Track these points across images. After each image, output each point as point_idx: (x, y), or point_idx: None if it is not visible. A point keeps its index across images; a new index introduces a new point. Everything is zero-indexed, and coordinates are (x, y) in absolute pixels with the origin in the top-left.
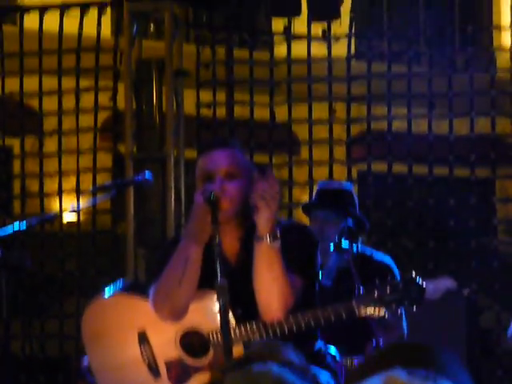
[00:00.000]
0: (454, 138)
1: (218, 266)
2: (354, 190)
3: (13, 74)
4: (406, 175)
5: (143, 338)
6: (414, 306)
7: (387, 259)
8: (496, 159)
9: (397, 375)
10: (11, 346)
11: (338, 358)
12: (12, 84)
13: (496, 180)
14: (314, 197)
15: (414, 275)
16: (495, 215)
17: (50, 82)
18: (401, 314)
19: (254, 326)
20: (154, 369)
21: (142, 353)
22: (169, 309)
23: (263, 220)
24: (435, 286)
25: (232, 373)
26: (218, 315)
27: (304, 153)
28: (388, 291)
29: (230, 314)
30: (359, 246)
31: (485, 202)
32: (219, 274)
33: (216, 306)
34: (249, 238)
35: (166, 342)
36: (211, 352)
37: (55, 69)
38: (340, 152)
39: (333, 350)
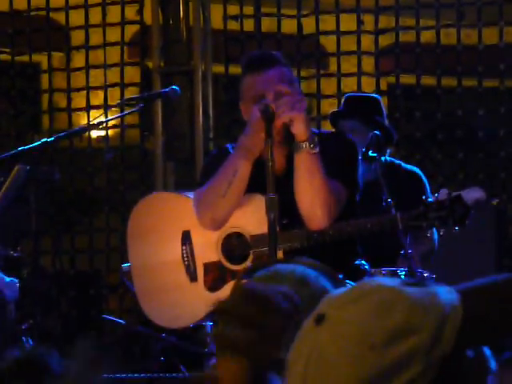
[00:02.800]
0: (482, 48)
1: (269, 178)
2: (383, 102)
3: None
4: (435, 87)
5: (187, 238)
6: (457, 227)
7: (416, 169)
8: None
9: None
10: (41, 261)
11: (368, 269)
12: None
13: None
14: (340, 107)
15: (461, 194)
16: None
17: None
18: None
19: (297, 233)
20: (191, 271)
21: (182, 252)
22: (210, 218)
23: (299, 127)
24: (465, 197)
25: (255, 272)
26: (265, 223)
27: (332, 65)
28: (434, 208)
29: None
30: (387, 156)
31: None
32: (270, 187)
33: (262, 212)
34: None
35: (208, 243)
36: (251, 257)
37: None
38: (368, 64)
39: (363, 262)
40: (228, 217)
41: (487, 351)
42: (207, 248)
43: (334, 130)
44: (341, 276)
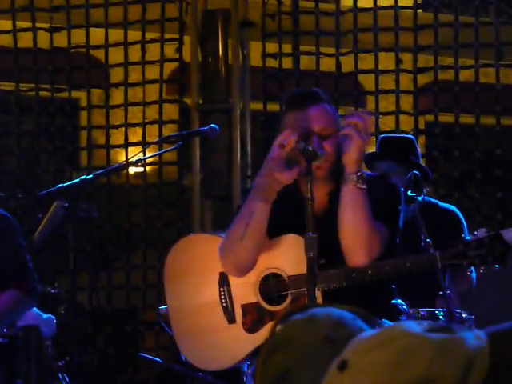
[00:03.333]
0: None
1: (309, 217)
2: (421, 141)
3: (79, 26)
4: (474, 125)
5: (224, 279)
6: (497, 265)
7: (453, 208)
8: None
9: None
10: (78, 298)
11: (406, 310)
12: (78, 36)
13: None
14: (376, 148)
15: (501, 233)
16: None
17: (115, 34)
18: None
19: (335, 273)
20: (229, 313)
21: (220, 294)
22: (231, 264)
23: (352, 155)
24: (505, 236)
25: (292, 316)
26: (303, 263)
27: (370, 103)
28: (473, 246)
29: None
30: (424, 195)
31: None
32: (310, 227)
33: (299, 252)
34: (338, 193)
35: (245, 284)
36: (289, 299)
37: (121, 20)
38: (407, 103)
39: (400, 301)
40: (251, 261)
41: None
42: (245, 289)
43: (371, 171)
44: (377, 318)
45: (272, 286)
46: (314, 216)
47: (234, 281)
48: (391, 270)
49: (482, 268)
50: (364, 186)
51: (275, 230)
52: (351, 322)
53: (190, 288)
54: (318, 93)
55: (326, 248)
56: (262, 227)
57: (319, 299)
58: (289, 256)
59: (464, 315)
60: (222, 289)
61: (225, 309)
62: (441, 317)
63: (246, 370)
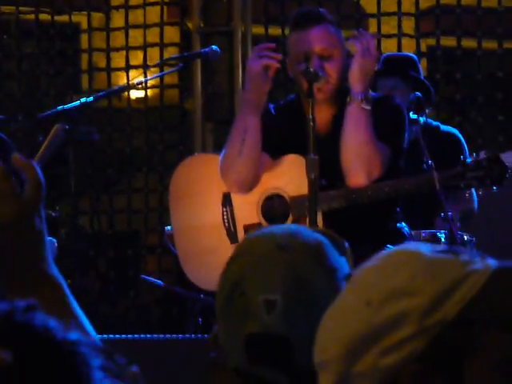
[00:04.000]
0: None
1: (311, 139)
2: (423, 64)
3: None
4: (475, 48)
5: (227, 200)
6: (495, 186)
7: (454, 130)
8: None
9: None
10: (80, 221)
11: (407, 231)
12: None
13: None
14: (378, 66)
15: (498, 154)
16: None
17: None
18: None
19: (336, 194)
20: (232, 233)
21: (223, 214)
22: (233, 181)
23: (355, 73)
24: (504, 160)
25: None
26: (305, 184)
27: (372, 26)
28: (471, 167)
29: None
30: (426, 117)
31: None
32: (312, 148)
33: (302, 173)
34: (342, 115)
35: (248, 205)
36: (290, 219)
37: None
38: (408, 26)
39: (404, 225)
40: (252, 175)
41: None
42: (247, 210)
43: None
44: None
45: (274, 207)
46: (317, 137)
47: (236, 201)
48: (390, 191)
49: (481, 190)
50: (368, 107)
51: (278, 149)
52: (306, 233)
53: (194, 208)
54: (321, 13)
55: (327, 169)
56: (258, 141)
57: (320, 221)
58: (291, 176)
59: (465, 237)
60: (224, 209)
61: (227, 229)
62: (442, 238)
63: None
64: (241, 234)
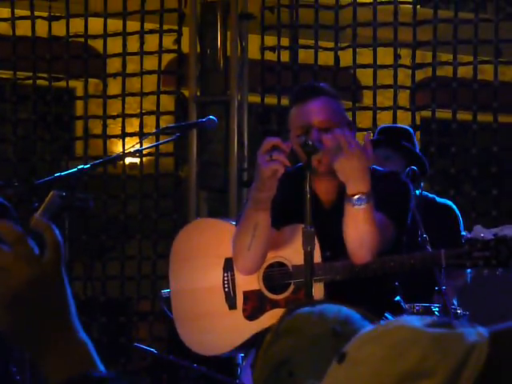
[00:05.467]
0: None
1: (307, 211)
2: (418, 136)
3: (78, 15)
4: (471, 122)
5: (229, 265)
6: (501, 268)
7: (449, 203)
8: None
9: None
10: (73, 287)
11: (402, 305)
12: (77, 25)
13: None
14: (374, 137)
15: (508, 236)
16: None
17: (114, 24)
18: None
19: (340, 266)
20: (231, 298)
21: (223, 279)
22: (242, 268)
23: (344, 175)
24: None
25: (301, 308)
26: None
27: (367, 98)
28: (478, 247)
29: (318, 254)
30: (421, 190)
31: None
32: (308, 221)
33: None
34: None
35: None
36: (291, 288)
37: (120, 11)
38: (404, 98)
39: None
40: (259, 263)
41: None
42: (248, 277)
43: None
44: (380, 314)
45: (276, 275)
46: (322, 209)
47: None
48: (396, 265)
49: (486, 270)
50: (363, 207)
51: (283, 217)
52: (358, 321)
53: (195, 271)
54: (321, 87)
55: (332, 241)
56: (267, 235)
57: (321, 291)
58: (294, 246)
59: (459, 311)
60: (226, 274)
61: (227, 294)
62: (436, 312)
63: (240, 362)
64: (240, 300)
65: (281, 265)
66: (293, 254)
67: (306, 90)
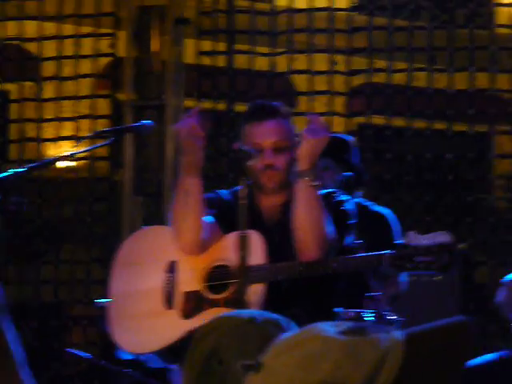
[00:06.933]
0: (453, 93)
1: (242, 217)
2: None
3: (12, 18)
4: (406, 128)
5: (173, 267)
6: (441, 273)
7: (385, 211)
8: (494, 115)
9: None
10: (5, 291)
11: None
12: (11, 29)
13: (494, 136)
14: None
15: (451, 242)
16: (492, 171)
17: (49, 28)
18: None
19: (283, 266)
20: (170, 298)
21: (165, 281)
22: (182, 242)
23: (302, 152)
24: (431, 240)
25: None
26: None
27: (303, 104)
28: (422, 252)
29: (262, 256)
30: (357, 197)
31: (482, 157)
32: (243, 226)
33: (252, 246)
34: (289, 202)
35: (193, 273)
36: (231, 289)
37: (55, 14)
38: (340, 104)
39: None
40: (200, 235)
41: None
42: (191, 278)
43: None
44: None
45: (217, 275)
46: (267, 224)
47: (183, 269)
48: (338, 266)
49: (426, 275)
50: (317, 183)
51: (232, 229)
52: (271, 314)
53: (136, 275)
54: (275, 107)
55: (276, 255)
56: (200, 202)
57: (260, 292)
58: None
59: (393, 317)
60: (168, 275)
61: (167, 295)
62: (369, 318)
63: (172, 368)
64: (179, 300)
65: (224, 267)
66: (235, 256)
67: (261, 110)
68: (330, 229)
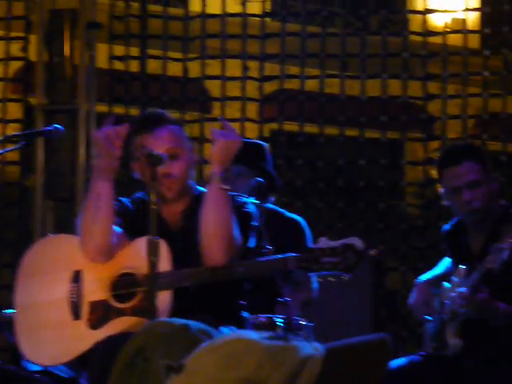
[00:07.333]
0: (365, 99)
1: (152, 221)
2: None
3: None
4: (318, 135)
5: (78, 277)
6: (347, 274)
7: (298, 218)
8: (406, 122)
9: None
10: None
11: (245, 315)
12: None
13: (405, 142)
14: None
15: (356, 243)
16: (404, 178)
17: None
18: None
19: (188, 272)
20: (76, 309)
21: (70, 291)
22: (90, 247)
23: (216, 154)
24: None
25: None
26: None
27: (216, 109)
28: (327, 253)
29: (168, 263)
30: (269, 203)
31: (394, 164)
32: (153, 231)
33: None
34: (191, 210)
35: (98, 282)
36: (138, 297)
37: None
38: (252, 110)
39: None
40: (108, 241)
41: None
42: (96, 287)
43: None
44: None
45: (123, 284)
46: (169, 232)
47: (87, 278)
48: (245, 270)
49: (332, 278)
50: (227, 187)
51: (136, 236)
52: (206, 326)
53: (41, 285)
54: (164, 115)
55: (179, 262)
56: (111, 206)
57: (168, 299)
58: (143, 257)
59: (302, 322)
60: (73, 285)
61: (73, 305)
62: (280, 323)
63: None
64: (86, 310)
65: (130, 275)
66: (141, 264)
67: (149, 119)
68: (237, 233)
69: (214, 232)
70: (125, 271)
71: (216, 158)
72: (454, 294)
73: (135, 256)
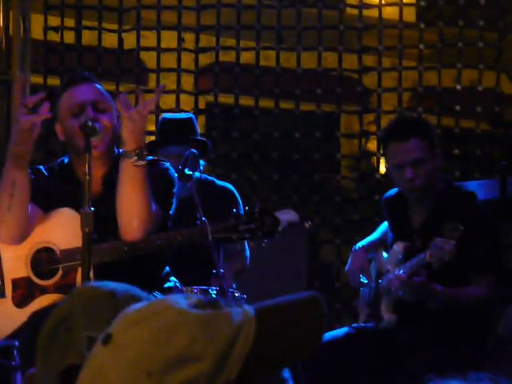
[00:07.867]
0: (301, 72)
1: (86, 193)
2: (201, 121)
3: None
4: (253, 107)
5: None
6: (266, 239)
7: (229, 186)
8: (342, 94)
9: None
10: None
11: (179, 287)
12: None
13: (341, 115)
14: (156, 134)
15: (291, 215)
16: (339, 151)
17: None
18: (244, 245)
19: (107, 247)
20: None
21: None
22: (5, 235)
23: (127, 133)
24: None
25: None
26: (76, 237)
27: (152, 81)
28: (244, 220)
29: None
30: (201, 172)
31: (330, 136)
32: (86, 202)
33: (72, 226)
34: (111, 175)
35: (16, 259)
36: (60, 272)
37: None
38: (188, 82)
39: (173, 279)
40: (23, 228)
41: (286, 373)
42: (16, 264)
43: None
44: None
45: (43, 260)
46: (90, 196)
47: (5, 255)
48: (163, 243)
49: (252, 243)
50: (142, 163)
51: (51, 207)
52: (136, 291)
53: None
54: (87, 75)
55: (99, 226)
56: (26, 194)
57: (91, 273)
58: (63, 230)
59: (237, 294)
60: None
61: None
62: (213, 295)
63: (16, 344)
64: (8, 288)
65: (48, 250)
66: (60, 238)
67: (75, 77)
68: (153, 208)
69: (130, 210)
70: (43, 246)
71: (128, 134)
72: (391, 276)
73: (53, 229)
